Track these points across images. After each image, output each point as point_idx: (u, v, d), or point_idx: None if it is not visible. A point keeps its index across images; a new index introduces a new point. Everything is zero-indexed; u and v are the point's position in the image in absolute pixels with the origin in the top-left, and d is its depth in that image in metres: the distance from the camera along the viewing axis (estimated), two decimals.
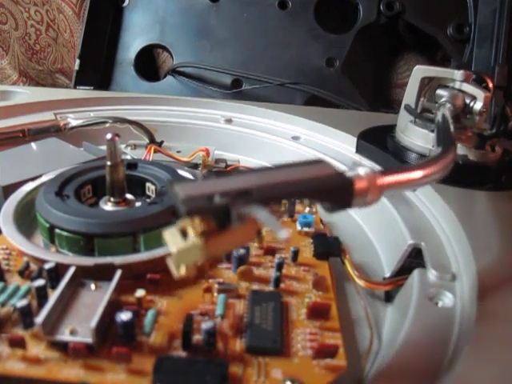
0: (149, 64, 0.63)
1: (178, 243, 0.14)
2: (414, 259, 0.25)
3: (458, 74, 0.33)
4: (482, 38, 0.55)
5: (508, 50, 0.52)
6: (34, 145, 0.37)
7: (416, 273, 0.23)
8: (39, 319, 0.17)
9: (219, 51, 0.59)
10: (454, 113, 0.31)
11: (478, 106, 0.32)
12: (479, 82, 0.35)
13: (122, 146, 0.39)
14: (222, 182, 0.15)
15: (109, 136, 0.25)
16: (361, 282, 0.24)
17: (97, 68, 0.59)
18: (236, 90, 0.56)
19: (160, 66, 0.67)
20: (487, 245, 0.24)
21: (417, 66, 0.35)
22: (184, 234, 0.15)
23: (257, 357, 0.19)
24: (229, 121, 0.44)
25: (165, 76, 0.60)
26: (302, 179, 0.16)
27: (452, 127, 0.27)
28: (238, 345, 0.19)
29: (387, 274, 0.26)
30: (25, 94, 0.44)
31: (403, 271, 0.25)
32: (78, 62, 0.57)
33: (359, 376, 0.20)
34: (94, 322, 0.17)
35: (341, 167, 0.30)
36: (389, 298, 0.25)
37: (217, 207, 0.14)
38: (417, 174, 0.18)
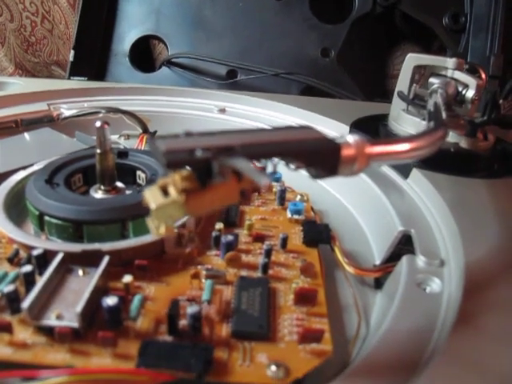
0: (144, 55, 0.63)
1: (157, 200, 0.14)
2: (404, 246, 0.25)
3: (451, 61, 0.32)
4: (477, 28, 0.55)
5: (503, 39, 0.51)
6: (26, 135, 0.37)
7: (405, 259, 0.23)
8: (25, 304, 0.17)
9: (215, 42, 0.59)
10: (446, 99, 0.31)
11: (470, 93, 0.31)
12: (472, 73, 0.35)
13: (115, 137, 0.39)
14: (204, 139, 0.15)
15: (98, 124, 0.25)
16: (350, 269, 0.24)
17: (92, 59, 0.59)
18: (231, 81, 0.56)
19: (156, 57, 0.67)
20: (476, 232, 0.24)
21: (409, 54, 0.35)
22: (165, 192, 0.14)
23: (242, 342, 0.19)
24: (222, 111, 0.44)
25: (160, 67, 0.60)
26: (288, 140, 0.16)
27: (444, 112, 0.27)
28: (224, 330, 0.19)
29: (377, 262, 0.26)
30: (18, 84, 0.44)
31: (393, 258, 0.25)
32: (72, 53, 0.57)
33: (346, 361, 0.20)
34: (79, 307, 0.18)
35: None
36: (378, 285, 0.25)
37: (198, 160, 0.14)
38: (405, 146, 0.18)
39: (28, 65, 0.75)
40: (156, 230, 0.15)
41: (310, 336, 0.18)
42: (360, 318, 0.22)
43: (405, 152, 0.19)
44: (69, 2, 0.63)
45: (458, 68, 0.32)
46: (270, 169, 0.16)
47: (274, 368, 0.17)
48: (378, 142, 0.18)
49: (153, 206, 0.14)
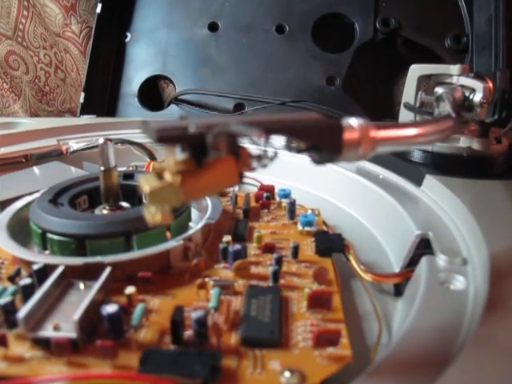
0: (152, 95, 0.65)
1: (152, 184, 0.13)
2: (423, 250, 0.24)
3: (455, 68, 0.32)
4: (480, 47, 0.55)
5: (507, 54, 0.51)
6: (36, 168, 0.37)
7: (424, 260, 0.22)
8: (21, 314, 0.17)
9: (220, 78, 0.60)
10: (453, 105, 0.30)
11: (477, 97, 0.31)
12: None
13: (123, 169, 0.39)
14: (199, 120, 0.14)
15: (101, 140, 0.25)
16: (367, 276, 0.23)
17: (101, 100, 0.60)
18: (239, 113, 0.56)
19: (166, 99, 0.68)
20: (498, 229, 0.22)
21: (412, 66, 0.34)
22: (160, 177, 0.14)
23: (253, 349, 0.17)
24: None
25: (168, 105, 0.61)
26: (290, 119, 0.15)
27: (454, 113, 0.26)
28: (233, 339, 0.18)
29: (396, 270, 0.25)
30: (30, 124, 0.45)
31: (413, 264, 0.24)
32: (82, 95, 0.59)
33: (367, 369, 0.18)
34: (77, 315, 0.17)
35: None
36: (398, 292, 0.23)
37: (191, 135, 0.13)
38: (412, 131, 0.17)
39: (42, 114, 0.77)
40: (152, 217, 0.14)
41: (325, 338, 0.17)
42: (381, 324, 0.20)
43: (411, 137, 0.18)
44: (80, 50, 0.66)
45: (463, 73, 0.32)
46: (269, 154, 0.15)
47: (287, 374, 0.16)
48: (384, 126, 0.17)
49: (147, 189, 0.13)
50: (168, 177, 0.13)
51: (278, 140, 0.14)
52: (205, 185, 0.13)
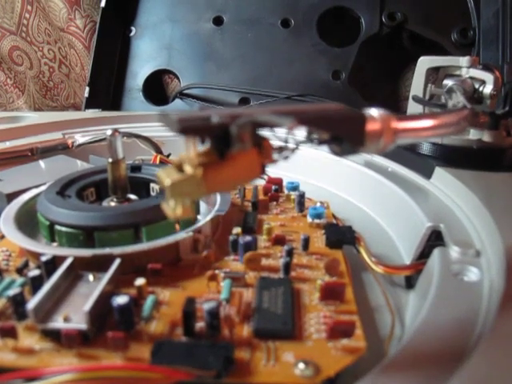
0: (157, 89, 0.64)
1: (173, 176, 0.13)
2: (434, 242, 0.23)
3: (464, 60, 0.32)
4: (487, 41, 0.54)
5: None
6: (41, 162, 0.37)
7: (437, 251, 0.21)
8: (30, 305, 0.16)
9: (226, 72, 0.59)
10: (466, 95, 0.30)
11: (487, 89, 0.30)
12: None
13: (129, 162, 0.39)
14: (222, 110, 0.14)
15: (109, 132, 0.25)
16: (378, 269, 0.23)
17: (106, 95, 0.60)
18: (244, 107, 0.56)
19: (170, 93, 0.68)
20: (511, 220, 0.22)
21: (421, 58, 0.34)
22: (180, 170, 0.13)
23: (266, 341, 0.17)
24: None
25: (173, 99, 0.60)
26: (312, 109, 0.15)
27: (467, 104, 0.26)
28: (246, 331, 0.18)
29: (408, 263, 0.24)
30: (33, 117, 0.45)
31: (424, 256, 0.23)
32: (87, 89, 0.58)
33: (382, 362, 0.18)
34: (87, 306, 0.16)
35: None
36: (409, 285, 0.23)
37: (215, 126, 0.12)
38: (431, 123, 0.17)
39: (46, 109, 0.77)
40: (172, 211, 0.13)
41: (339, 329, 0.16)
42: (394, 316, 0.20)
43: (431, 128, 0.18)
44: (84, 45, 0.65)
45: (473, 65, 0.31)
46: (291, 145, 0.15)
47: (302, 366, 0.16)
48: (405, 118, 0.17)
49: (168, 182, 0.13)
50: (189, 169, 0.13)
51: (300, 131, 0.14)
52: (227, 177, 0.13)
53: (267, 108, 0.14)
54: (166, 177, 0.13)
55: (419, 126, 0.17)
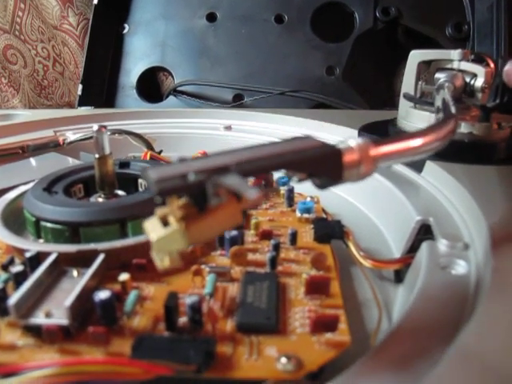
0: (151, 86, 0.64)
1: (157, 232, 0.13)
2: (423, 236, 0.23)
3: (455, 53, 0.32)
4: (482, 35, 0.54)
5: (510, 42, 0.51)
6: (32, 159, 0.37)
7: (425, 245, 0.21)
8: (12, 301, 0.16)
9: (219, 68, 0.59)
10: (454, 93, 0.29)
11: (478, 82, 0.30)
12: (479, 63, 0.34)
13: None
14: (198, 162, 0.14)
15: (95, 127, 0.24)
16: (367, 263, 0.22)
17: (99, 92, 0.60)
18: (238, 103, 0.56)
19: (164, 90, 0.68)
20: (501, 214, 0.22)
21: (412, 51, 0.34)
22: (165, 222, 0.14)
23: (249, 335, 0.17)
24: (228, 128, 0.44)
25: (167, 96, 0.60)
26: (286, 151, 0.15)
27: (453, 106, 0.26)
28: (229, 325, 0.17)
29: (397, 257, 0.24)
30: (25, 115, 0.44)
31: (413, 251, 0.23)
32: (80, 87, 0.58)
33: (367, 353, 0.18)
34: (68, 301, 0.16)
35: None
36: (399, 279, 0.23)
37: (191, 185, 0.13)
38: (413, 143, 0.17)
39: (41, 108, 0.77)
40: (161, 262, 0.14)
41: (323, 323, 0.16)
42: (381, 310, 0.20)
43: (413, 149, 0.17)
44: (77, 43, 0.65)
45: (464, 58, 0.31)
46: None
47: (284, 360, 0.15)
48: (383, 142, 0.17)
49: (154, 237, 0.13)
50: (173, 222, 0.13)
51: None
52: (209, 228, 0.13)
53: (245, 153, 0.14)
54: (152, 230, 0.14)
55: (400, 148, 0.17)
